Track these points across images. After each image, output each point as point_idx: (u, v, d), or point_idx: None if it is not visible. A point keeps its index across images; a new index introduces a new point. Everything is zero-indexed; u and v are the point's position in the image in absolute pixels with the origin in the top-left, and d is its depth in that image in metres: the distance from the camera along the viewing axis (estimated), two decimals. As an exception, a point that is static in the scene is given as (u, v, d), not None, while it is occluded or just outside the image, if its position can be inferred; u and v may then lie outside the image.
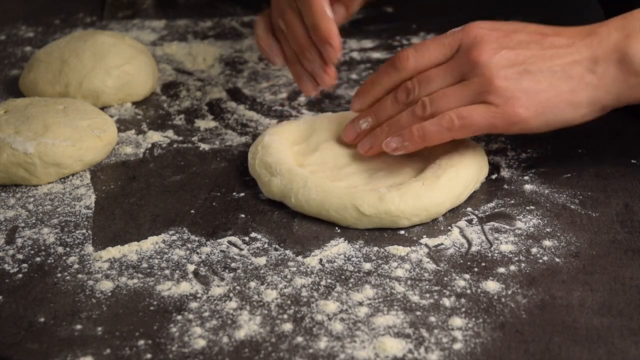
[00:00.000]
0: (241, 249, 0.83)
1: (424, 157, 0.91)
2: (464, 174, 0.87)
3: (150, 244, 0.84)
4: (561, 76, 0.84)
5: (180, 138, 1.02)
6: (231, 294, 0.77)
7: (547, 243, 0.82)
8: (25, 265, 0.81)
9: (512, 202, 0.88)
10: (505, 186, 0.90)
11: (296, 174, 0.87)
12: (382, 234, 0.84)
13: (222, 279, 0.79)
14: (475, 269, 0.79)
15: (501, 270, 0.79)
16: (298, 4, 0.92)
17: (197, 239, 0.84)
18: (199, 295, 0.77)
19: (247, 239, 0.84)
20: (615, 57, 0.83)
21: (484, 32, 0.86)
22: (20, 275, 0.80)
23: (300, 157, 0.93)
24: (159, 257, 0.82)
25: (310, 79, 0.95)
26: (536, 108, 0.83)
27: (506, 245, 0.82)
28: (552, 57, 0.84)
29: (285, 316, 0.75)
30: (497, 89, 0.83)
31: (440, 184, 0.85)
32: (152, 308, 0.76)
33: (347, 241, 0.83)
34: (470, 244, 0.83)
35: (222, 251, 0.83)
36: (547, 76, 0.84)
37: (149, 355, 0.71)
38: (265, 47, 0.98)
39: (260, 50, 0.99)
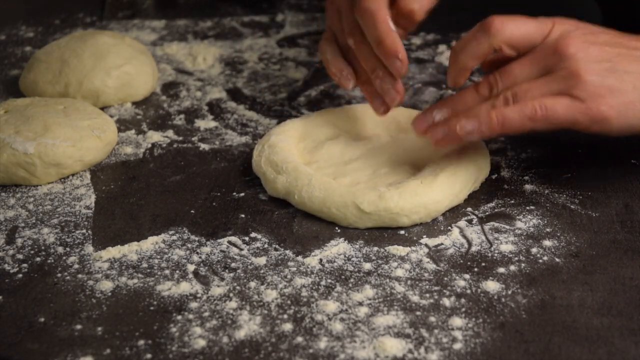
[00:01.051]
0: (241, 249, 0.83)
1: (427, 155, 0.91)
2: (462, 173, 0.87)
3: (150, 244, 0.84)
4: None
5: (180, 138, 1.01)
6: (231, 294, 0.77)
7: (547, 243, 0.82)
8: (25, 265, 0.81)
9: (512, 202, 0.88)
10: (505, 186, 0.90)
11: (301, 172, 0.87)
12: (382, 234, 0.84)
13: (222, 279, 0.79)
14: (475, 269, 0.79)
15: (501, 270, 0.79)
16: (361, 21, 0.89)
17: (197, 239, 0.84)
18: (199, 295, 0.77)
19: (247, 239, 0.84)
20: None
21: (570, 28, 0.84)
22: (20, 275, 0.80)
23: (307, 154, 0.94)
24: (159, 257, 0.82)
25: (381, 98, 0.92)
26: (620, 108, 0.81)
27: (506, 245, 0.82)
28: (638, 59, 0.83)
29: (285, 316, 0.75)
30: (584, 82, 0.81)
31: (438, 182, 0.85)
32: (152, 308, 0.76)
33: (347, 241, 0.83)
34: (470, 244, 0.83)
35: (222, 251, 0.83)
36: (633, 77, 0.82)
37: (149, 355, 0.71)
38: (336, 71, 0.95)
39: (331, 75, 0.96)
